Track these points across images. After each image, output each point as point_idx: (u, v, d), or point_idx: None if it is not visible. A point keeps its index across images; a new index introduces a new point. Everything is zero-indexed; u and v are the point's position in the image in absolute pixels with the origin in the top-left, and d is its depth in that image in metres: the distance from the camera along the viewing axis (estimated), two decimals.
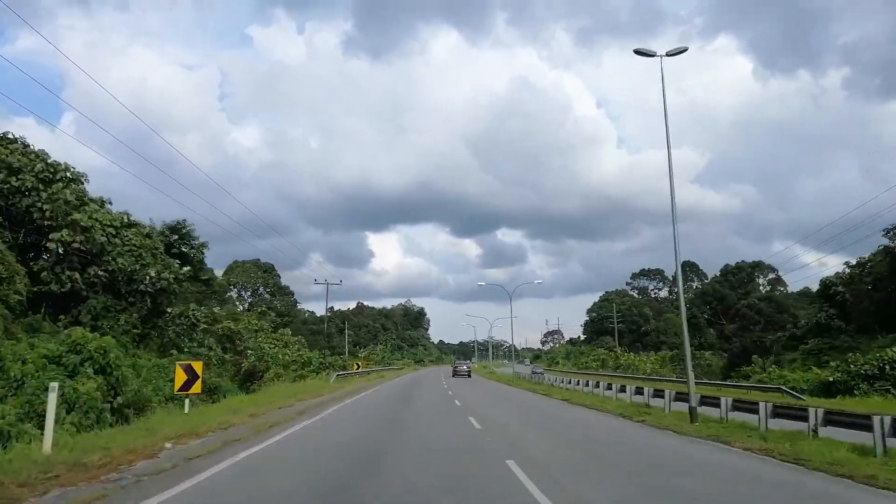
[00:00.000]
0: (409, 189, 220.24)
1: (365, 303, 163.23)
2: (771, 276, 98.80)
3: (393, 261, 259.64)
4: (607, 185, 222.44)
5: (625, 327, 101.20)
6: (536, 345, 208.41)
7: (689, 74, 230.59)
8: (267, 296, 76.28)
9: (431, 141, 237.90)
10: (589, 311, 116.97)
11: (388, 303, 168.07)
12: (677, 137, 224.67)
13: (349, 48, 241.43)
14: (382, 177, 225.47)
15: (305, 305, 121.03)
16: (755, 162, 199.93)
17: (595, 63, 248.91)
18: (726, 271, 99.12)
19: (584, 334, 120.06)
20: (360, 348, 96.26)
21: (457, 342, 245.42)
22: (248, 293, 76.81)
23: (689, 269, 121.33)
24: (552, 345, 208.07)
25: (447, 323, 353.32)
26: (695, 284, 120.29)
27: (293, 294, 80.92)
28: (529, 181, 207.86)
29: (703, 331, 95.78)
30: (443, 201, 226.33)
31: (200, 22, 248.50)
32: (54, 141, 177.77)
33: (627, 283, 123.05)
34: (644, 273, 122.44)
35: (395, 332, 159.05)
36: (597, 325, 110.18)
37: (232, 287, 71.85)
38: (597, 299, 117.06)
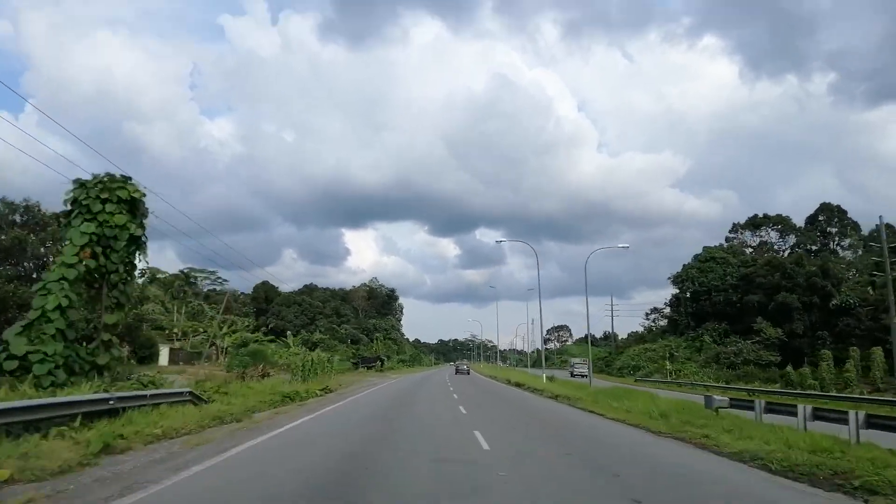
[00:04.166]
0: (387, 186, 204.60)
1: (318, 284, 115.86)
2: None
3: (369, 259, 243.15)
4: (587, 186, 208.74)
5: (768, 300, 53.93)
6: (518, 345, 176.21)
7: (673, 76, 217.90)
8: None
9: (410, 137, 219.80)
10: (675, 281, 69.80)
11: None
12: (659, 142, 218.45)
13: (327, 34, 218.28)
14: (360, 172, 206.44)
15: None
16: (736, 167, 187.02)
17: (581, 59, 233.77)
18: None
19: (664, 318, 72.77)
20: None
21: (436, 341, 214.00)
22: None
23: (828, 218, 73.93)
24: (556, 343, 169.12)
25: (424, 323, 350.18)
26: (844, 241, 73.52)
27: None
28: (509, 181, 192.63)
29: None
30: (421, 199, 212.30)
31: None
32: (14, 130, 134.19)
33: (727, 239, 76.91)
34: (754, 223, 76.13)
35: (355, 320, 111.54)
36: (697, 302, 63.32)
37: None
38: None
